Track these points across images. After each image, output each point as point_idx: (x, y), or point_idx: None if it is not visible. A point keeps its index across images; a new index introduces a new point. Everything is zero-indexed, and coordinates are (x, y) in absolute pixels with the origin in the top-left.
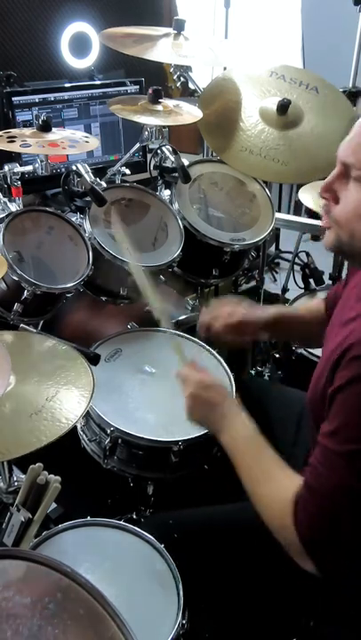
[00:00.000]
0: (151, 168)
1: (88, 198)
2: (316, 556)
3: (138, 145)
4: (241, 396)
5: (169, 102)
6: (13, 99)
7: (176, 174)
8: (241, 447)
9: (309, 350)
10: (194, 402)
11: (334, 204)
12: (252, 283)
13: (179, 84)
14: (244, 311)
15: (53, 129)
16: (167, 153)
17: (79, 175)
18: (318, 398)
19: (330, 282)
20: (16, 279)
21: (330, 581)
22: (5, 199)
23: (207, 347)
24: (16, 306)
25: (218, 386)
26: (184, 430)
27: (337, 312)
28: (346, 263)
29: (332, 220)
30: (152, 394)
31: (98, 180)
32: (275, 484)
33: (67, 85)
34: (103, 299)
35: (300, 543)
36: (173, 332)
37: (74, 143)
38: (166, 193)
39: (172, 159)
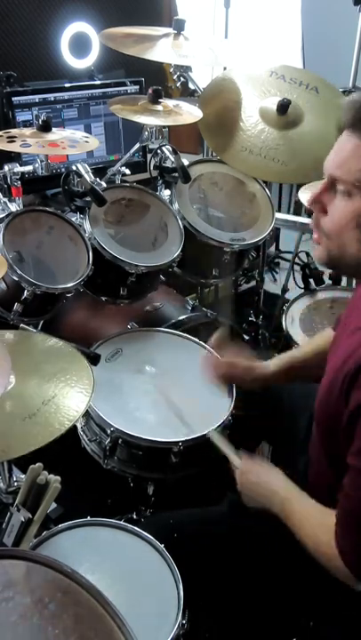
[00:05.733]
0: (151, 168)
1: (88, 198)
2: None
3: (138, 145)
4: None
5: (169, 102)
6: (13, 99)
7: (176, 174)
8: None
9: None
10: (249, 492)
11: (323, 214)
12: (252, 283)
13: (179, 84)
14: (248, 365)
15: (53, 129)
16: (167, 153)
17: (79, 175)
18: (329, 410)
19: (330, 282)
20: (16, 279)
21: (331, 582)
22: (5, 199)
23: (207, 347)
24: (16, 306)
25: (271, 476)
26: (184, 431)
27: (346, 317)
28: None
29: (322, 232)
30: (152, 394)
31: (98, 179)
32: (318, 522)
33: (67, 85)
34: (103, 299)
35: (346, 569)
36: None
37: (74, 143)
38: (166, 193)
39: (172, 159)
